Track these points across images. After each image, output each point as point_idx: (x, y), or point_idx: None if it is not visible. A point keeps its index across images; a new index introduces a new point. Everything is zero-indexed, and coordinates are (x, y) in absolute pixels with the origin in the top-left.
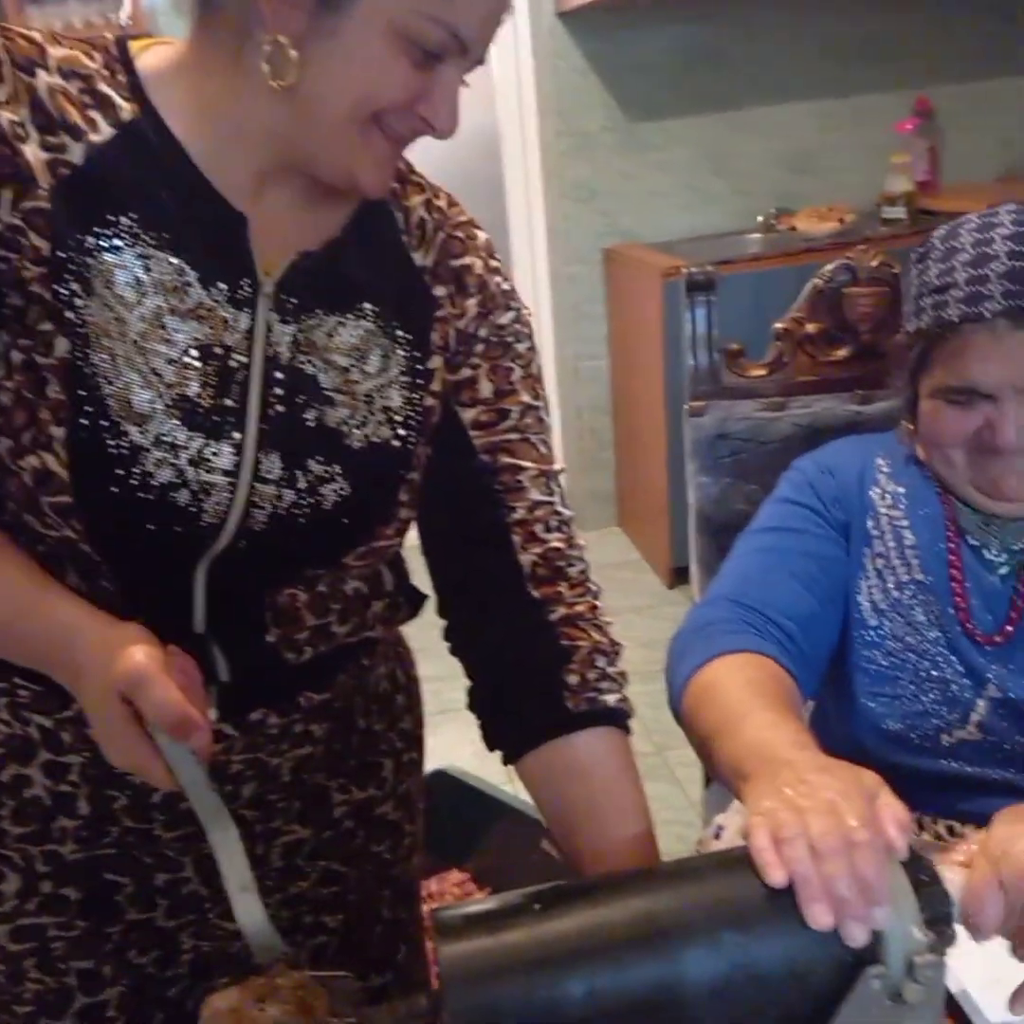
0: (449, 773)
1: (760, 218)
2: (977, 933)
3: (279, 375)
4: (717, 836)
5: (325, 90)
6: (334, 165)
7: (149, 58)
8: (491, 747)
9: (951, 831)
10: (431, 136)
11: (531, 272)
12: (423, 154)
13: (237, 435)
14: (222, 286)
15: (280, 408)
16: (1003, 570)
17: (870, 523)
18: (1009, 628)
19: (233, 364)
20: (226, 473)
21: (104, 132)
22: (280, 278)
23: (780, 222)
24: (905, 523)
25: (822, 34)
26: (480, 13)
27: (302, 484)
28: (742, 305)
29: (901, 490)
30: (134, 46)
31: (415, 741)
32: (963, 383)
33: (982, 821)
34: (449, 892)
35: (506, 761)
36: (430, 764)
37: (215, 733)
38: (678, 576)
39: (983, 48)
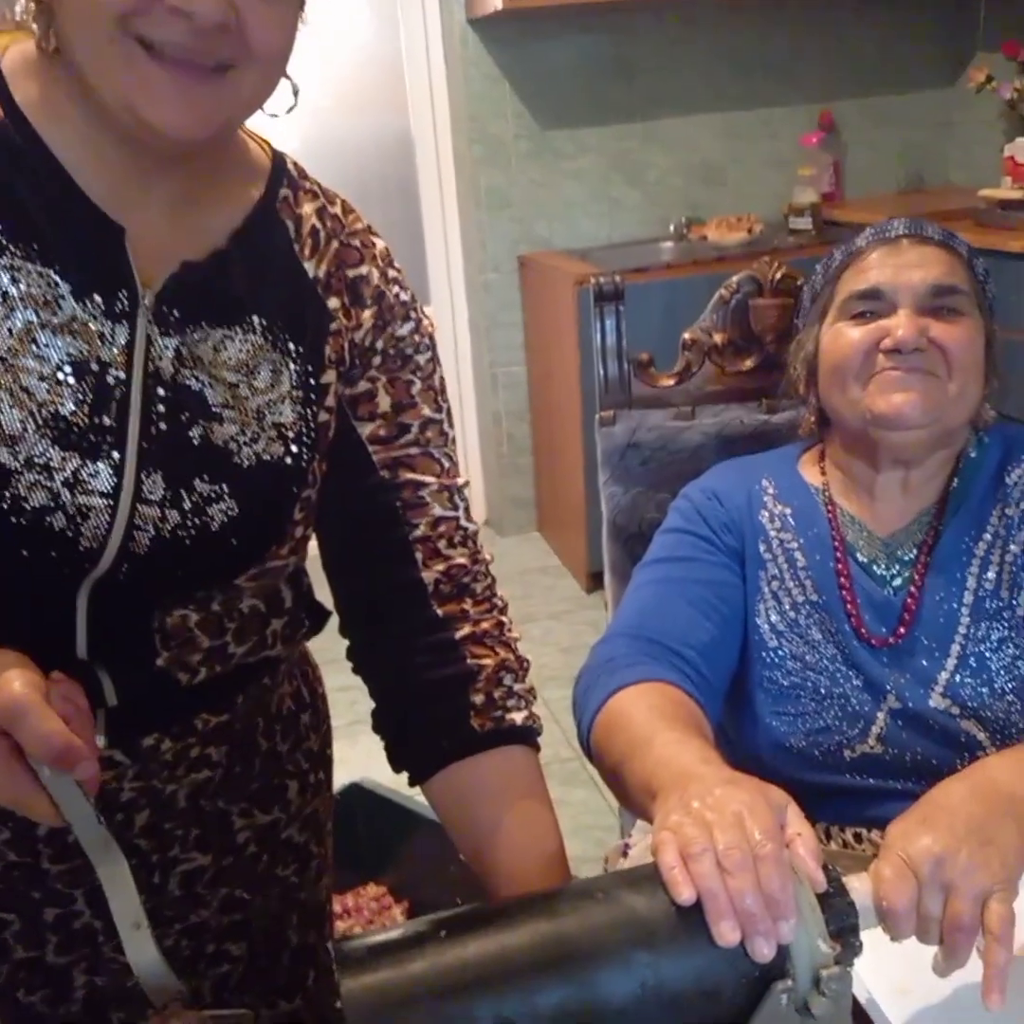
0: (364, 786)
1: (672, 227)
2: (896, 927)
3: (161, 391)
4: (624, 854)
5: (66, 25)
6: (112, 101)
7: (13, 55)
8: (397, 769)
9: (858, 837)
10: (190, 42)
11: (447, 280)
12: (335, 159)
13: (116, 455)
14: (97, 299)
15: (163, 426)
16: (896, 581)
17: (762, 547)
18: (901, 630)
19: (110, 380)
20: (104, 495)
21: None
22: (160, 290)
23: (691, 231)
24: (795, 545)
25: (729, 48)
26: None
27: (187, 504)
28: (654, 313)
29: (788, 511)
30: None
31: (322, 761)
32: (866, 285)
33: (887, 824)
34: (366, 907)
35: (412, 782)
36: (347, 776)
37: (105, 760)
38: (596, 581)
39: (884, 65)
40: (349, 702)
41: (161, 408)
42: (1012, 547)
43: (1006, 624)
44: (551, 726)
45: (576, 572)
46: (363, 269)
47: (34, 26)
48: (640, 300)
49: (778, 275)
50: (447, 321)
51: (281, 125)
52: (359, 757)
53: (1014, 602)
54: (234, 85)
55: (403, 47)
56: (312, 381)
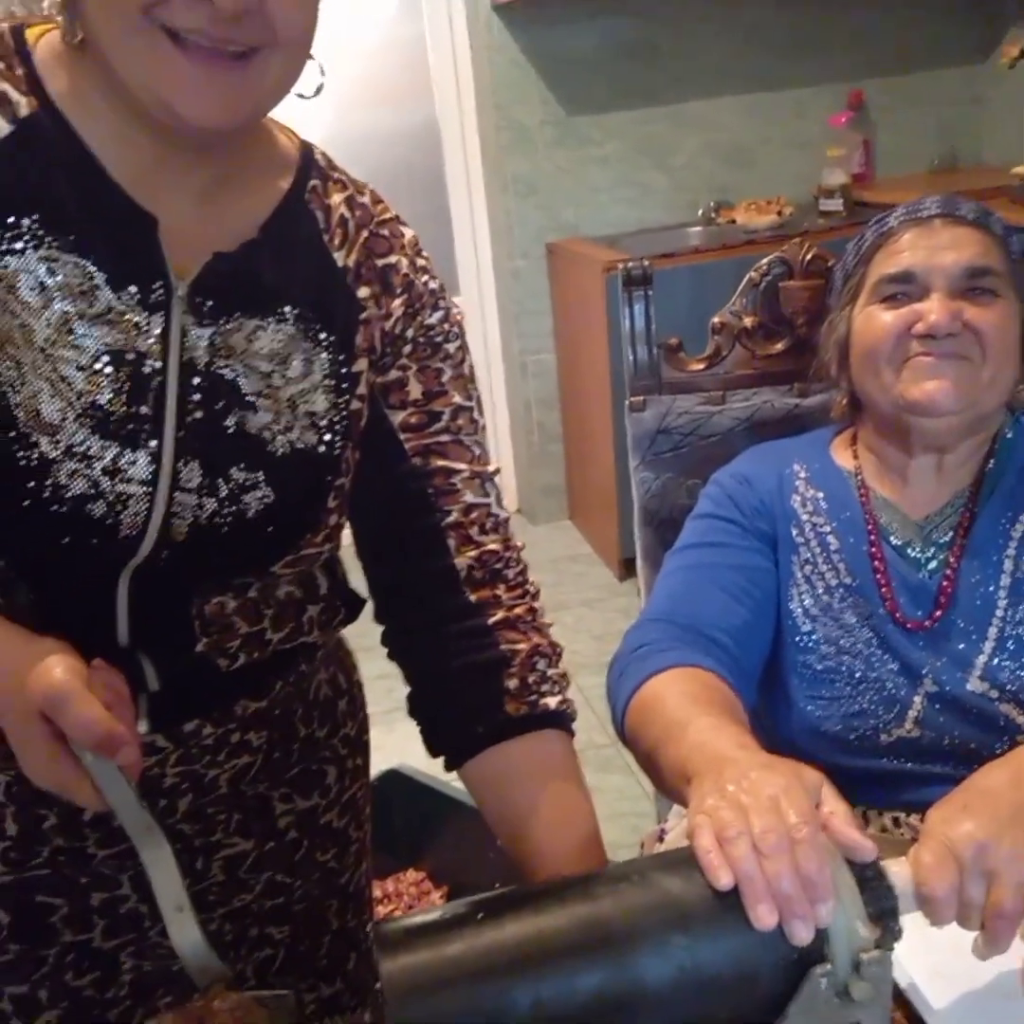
0: (402, 772)
1: (700, 211)
2: (936, 914)
3: (196, 380)
4: (660, 839)
5: (92, 17)
6: (140, 91)
7: (44, 46)
8: (433, 754)
9: (896, 822)
10: (214, 30)
11: (475, 268)
12: (363, 148)
13: (153, 443)
14: (133, 289)
15: (198, 414)
16: (931, 564)
17: (794, 531)
18: (937, 613)
19: (147, 370)
20: (143, 483)
21: (1, 130)
22: (194, 280)
23: (720, 215)
24: (828, 529)
25: (755, 28)
26: None
27: (224, 492)
28: (683, 298)
29: (821, 495)
30: (30, 34)
31: (360, 747)
32: (899, 268)
33: (926, 809)
34: (405, 892)
35: (448, 767)
36: (384, 763)
37: (147, 746)
38: (629, 568)
39: (913, 42)
40: (386, 689)
41: (197, 397)
42: None
43: None
44: (585, 713)
45: (608, 560)
46: (392, 258)
47: (59, 18)
48: (669, 285)
49: (809, 257)
50: (476, 309)
51: (306, 116)
52: (396, 743)
53: None
54: (260, 70)
55: (427, 34)
56: (344, 370)
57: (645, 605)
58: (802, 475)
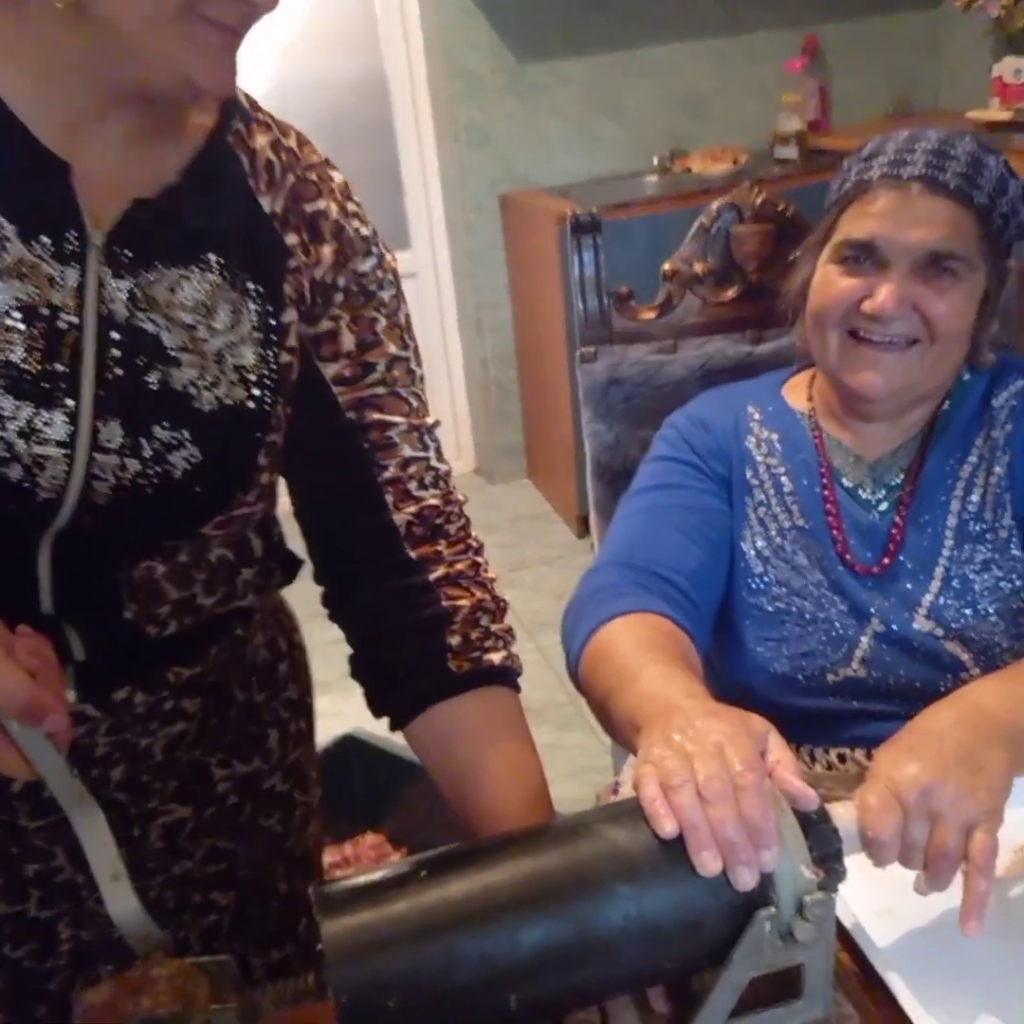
0: (358, 737)
1: (655, 160)
2: (879, 855)
3: (116, 335)
4: (615, 792)
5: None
6: (163, 74)
7: None
8: (377, 714)
9: (842, 759)
10: (254, 15)
11: (428, 221)
12: (309, 96)
13: (70, 402)
14: (45, 240)
15: (118, 371)
16: (882, 506)
17: (749, 473)
18: (886, 560)
19: (62, 325)
20: (60, 444)
21: None
22: (111, 229)
23: (675, 164)
24: (782, 470)
25: None
26: None
27: (148, 452)
28: (639, 249)
29: (775, 437)
30: None
31: (303, 709)
32: (865, 235)
33: (871, 744)
34: (364, 855)
35: (393, 727)
36: (341, 728)
37: (77, 715)
38: (588, 526)
39: None
40: (341, 655)
41: (116, 353)
42: (996, 469)
43: (990, 546)
44: (545, 672)
45: (567, 517)
46: (321, 204)
47: None
48: (624, 235)
49: (759, 201)
50: (429, 264)
51: (251, 64)
52: (353, 709)
53: (997, 524)
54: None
55: None
56: (272, 321)
57: (602, 548)
58: (756, 417)
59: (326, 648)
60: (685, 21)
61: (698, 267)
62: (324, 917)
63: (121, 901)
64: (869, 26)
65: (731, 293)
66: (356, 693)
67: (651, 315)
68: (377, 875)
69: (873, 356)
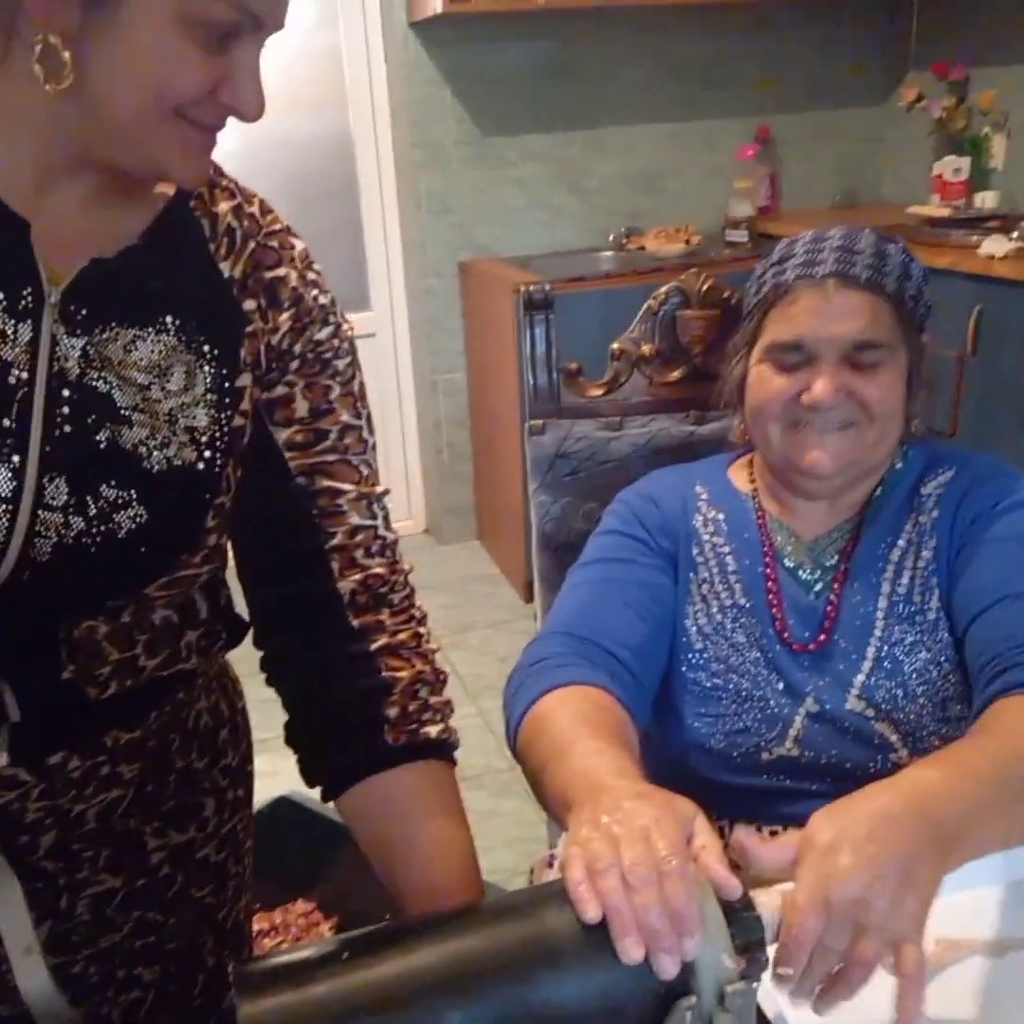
0: (293, 800)
1: (611, 236)
2: (793, 954)
3: (66, 393)
4: (549, 865)
5: (111, 89)
6: (139, 162)
7: None
8: (310, 783)
9: (773, 835)
10: (240, 119)
11: (388, 284)
12: (276, 155)
13: (16, 458)
14: None
15: (67, 428)
16: (818, 586)
17: (695, 550)
18: (822, 637)
19: (12, 380)
20: (3, 499)
21: None
22: (67, 287)
23: (630, 241)
24: (727, 549)
25: (670, 59)
26: None
27: (93, 511)
28: (593, 322)
29: (721, 516)
30: None
31: (242, 777)
32: (792, 336)
33: (803, 822)
34: (293, 924)
35: (325, 797)
36: (279, 789)
37: (7, 779)
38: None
39: (819, 81)
40: (280, 713)
41: (66, 410)
42: (924, 553)
43: (919, 628)
44: (485, 736)
45: (515, 581)
46: (281, 271)
47: (36, 67)
48: (578, 309)
49: (705, 287)
50: (387, 326)
51: None
52: (290, 769)
53: (925, 607)
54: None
55: (343, 46)
56: (227, 384)
57: (548, 617)
58: (704, 496)
59: (264, 705)
60: (645, 104)
61: (645, 348)
62: (242, 999)
63: (33, 977)
64: (819, 119)
65: (676, 374)
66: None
67: (599, 392)
68: (300, 955)
69: (816, 438)
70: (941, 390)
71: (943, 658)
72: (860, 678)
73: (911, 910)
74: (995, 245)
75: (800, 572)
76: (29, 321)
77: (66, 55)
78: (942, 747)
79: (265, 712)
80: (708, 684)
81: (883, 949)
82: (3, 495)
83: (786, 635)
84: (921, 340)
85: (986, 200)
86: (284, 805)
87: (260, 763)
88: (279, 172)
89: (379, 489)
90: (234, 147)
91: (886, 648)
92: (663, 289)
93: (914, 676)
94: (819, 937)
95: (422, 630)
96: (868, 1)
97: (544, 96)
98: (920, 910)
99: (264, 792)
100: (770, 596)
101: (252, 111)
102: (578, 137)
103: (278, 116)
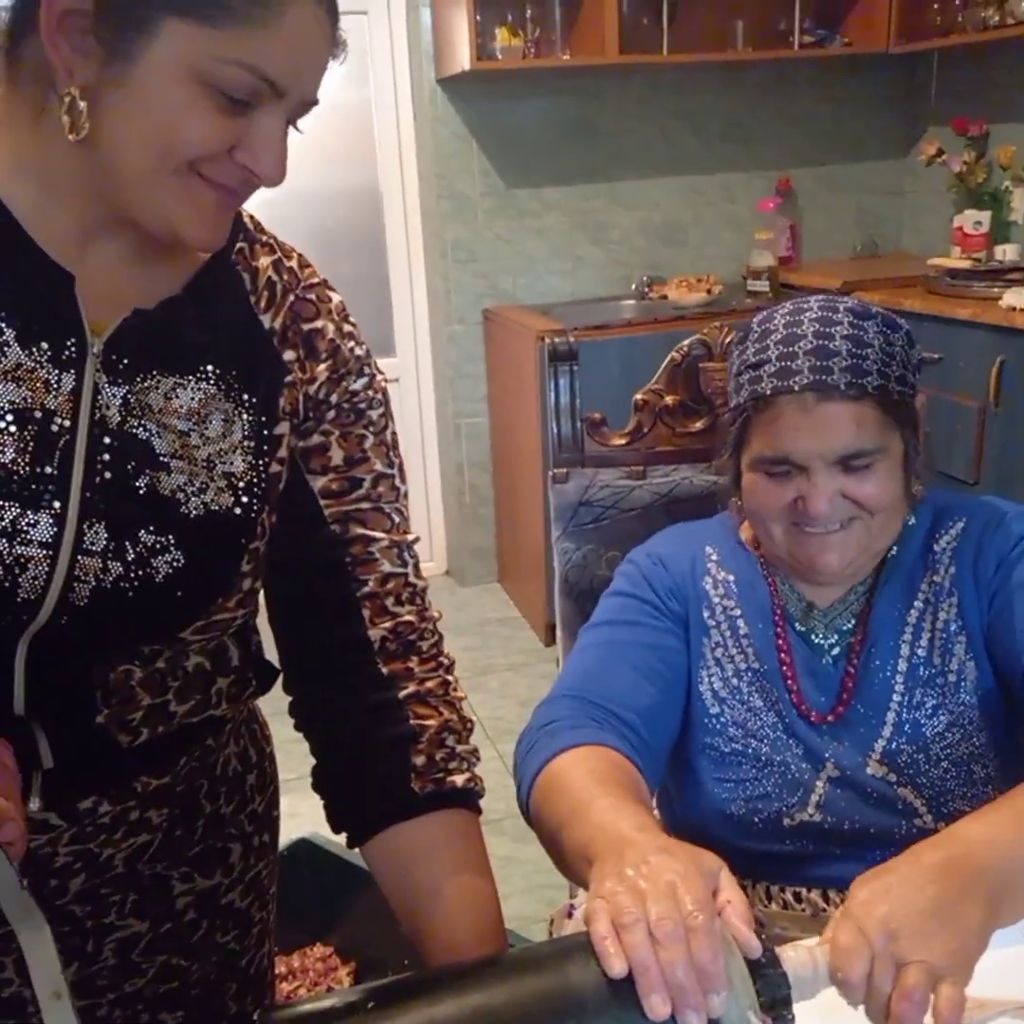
0: (313, 842)
1: (633, 285)
2: (849, 995)
3: (107, 440)
4: (569, 915)
5: (122, 141)
6: (152, 217)
7: None
8: (336, 829)
9: (797, 897)
10: (257, 184)
11: (412, 331)
12: (305, 207)
13: (57, 505)
14: (45, 345)
15: (108, 475)
16: (834, 651)
17: (706, 613)
18: (841, 708)
19: (55, 429)
20: (44, 545)
21: None
22: (110, 337)
23: (652, 290)
24: (738, 612)
25: (691, 114)
26: (292, 56)
27: (131, 555)
28: (613, 370)
29: (731, 578)
30: None
31: (268, 823)
32: (777, 453)
33: (826, 883)
34: (311, 968)
35: (351, 844)
36: (297, 830)
37: (39, 823)
38: (555, 633)
39: (839, 135)
40: (303, 754)
41: (107, 457)
42: (941, 614)
43: (939, 691)
44: (506, 780)
45: (535, 624)
46: (319, 323)
47: (65, 118)
48: (600, 357)
49: (728, 339)
50: (411, 371)
51: None
52: (311, 810)
53: (946, 669)
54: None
55: (373, 102)
56: (265, 432)
57: (557, 679)
58: (714, 557)
59: (287, 746)
60: (665, 158)
61: (668, 399)
62: None
63: (60, 1021)
64: (840, 172)
65: (699, 425)
66: (314, 795)
67: (622, 441)
68: (325, 1003)
69: (819, 540)
70: (960, 441)
71: (966, 721)
72: (881, 744)
73: (950, 948)
74: (1016, 297)
75: (813, 636)
76: (72, 370)
77: (82, 105)
78: (968, 811)
79: (286, 752)
80: (726, 749)
81: (925, 985)
82: (44, 540)
83: (803, 706)
84: (915, 414)
85: (1006, 252)
86: (304, 847)
87: (281, 804)
88: (309, 223)
89: (410, 537)
90: (266, 196)
91: (906, 713)
92: (686, 342)
93: (936, 740)
94: (866, 975)
95: (450, 678)
96: (887, 57)
97: (567, 150)
98: (960, 948)
99: (284, 834)
100: (782, 662)
101: (270, 176)
102: (600, 189)
103: (309, 169)
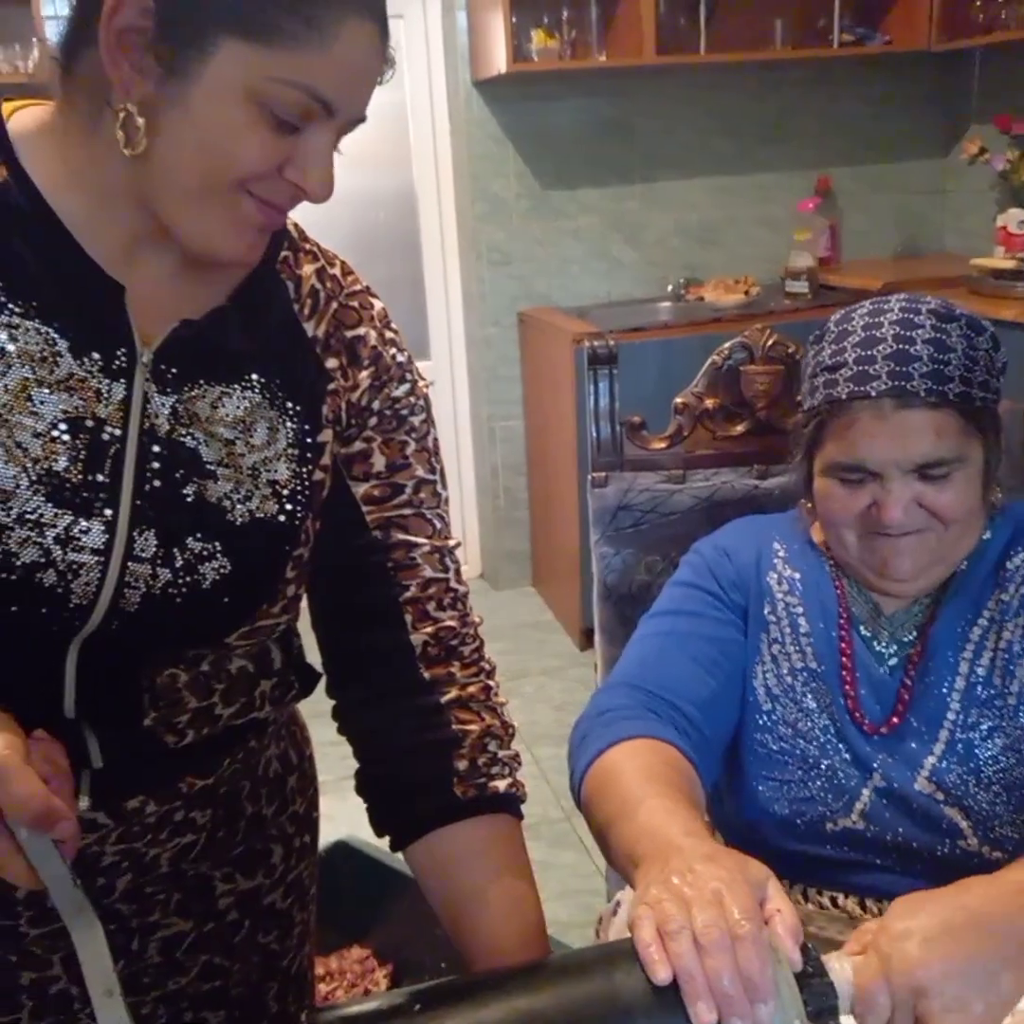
0: (351, 845)
1: (669, 287)
2: None
3: (156, 448)
4: (615, 912)
5: (176, 158)
6: (191, 233)
7: (22, 119)
8: (379, 833)
9: (834, 902)
10: (305, 200)
11: (447, 333)
12: (341, 210)
13: (109, 512)
14: (96, 356)
15: (157, 483)
16: (892, 661)
17: (767, 609)
18: (895, 720)
19: (106, 437)
20: (95, 552)
21: None
22: (159, 347)
23: (688, 292)
24: (800, 610)
25: (728, 114)
26: (345, 76)
27: (179, 562)
28: (650, 373)
29: (797, 576)
30: (7, 107)
31: (308, 824)
32: (851, 460)
33: (864, 892)
34: (349, 970)
35: (394, 848)
36: (335, 833)
37: (87, 822)
38: (590, 638)
39: (880, 134)
40: (340, 756)
41: (156, 465)
42: (1005, 634)
43: (997, 713)
44: (541, 786)
45: (570, 628)
46: (361, 330)
47: (120, 133)
48: (637, 360)
49: (769, 342)
50: (446, 374)
51: None
52: (348, 813)
53: (1006, 691)
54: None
55: (408, 105)
56: (309, 439)
57: (616, 666)
58: (781, 553)
59: (325, 748)
60: (700, 159)
61: (708, 402)
62: None
63: (112, 1018)
64: (880, 171)
65: (740, 428)
66: (352, 797)
67: (661, 445)
68: (371, 1005)
69: (892, 544)
70: (1018, 449)
71: (1022, 745)
72: (931, 760)
73: (976, 1014)
74: None
75: (875, 643)
76: (123, 380)
77: (140, 121)
78: (1016, 838)
79: (323, 754)
80: (774, 747)
81: None
82: (96, 547)
83: (857, 712)
84: (996, 421)
85: None
86: (341, 850)
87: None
88: (344, 226)
89: (451, 542)
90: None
91: (960, 732)
92: (727, 344)
93: (989, 763)
94: (886, 1018)
95: (491, 683)
96: (928, 55)
97: (602, 151)
98: (987, 1017)
99: (322, 836)
100: (843, 665)
101: (318, 193)
102: (636, 191)
103: (344, 172)
